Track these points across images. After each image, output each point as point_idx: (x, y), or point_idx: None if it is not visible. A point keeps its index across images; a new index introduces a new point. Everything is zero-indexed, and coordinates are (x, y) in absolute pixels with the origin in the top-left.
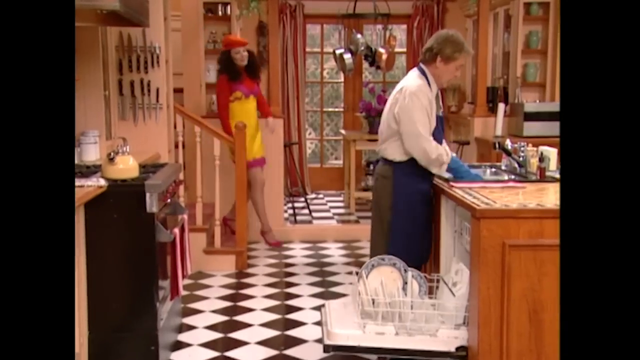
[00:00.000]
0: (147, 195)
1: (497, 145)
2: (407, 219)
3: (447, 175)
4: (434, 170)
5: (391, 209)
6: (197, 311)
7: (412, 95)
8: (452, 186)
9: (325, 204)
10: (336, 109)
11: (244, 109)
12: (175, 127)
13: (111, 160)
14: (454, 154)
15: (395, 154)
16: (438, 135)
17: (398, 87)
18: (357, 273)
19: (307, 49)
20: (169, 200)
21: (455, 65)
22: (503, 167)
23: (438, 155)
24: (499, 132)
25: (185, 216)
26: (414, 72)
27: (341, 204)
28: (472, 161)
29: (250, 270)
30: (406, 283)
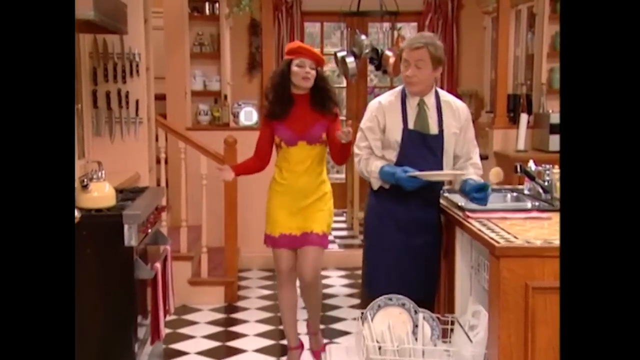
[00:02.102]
0: (125, 227)
1: (518, 169)
2: (376, 246)
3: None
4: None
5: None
6: (180, 353)
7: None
8: (468, 217)
9: None
10: None
11: (286, 158)
12: (156, 139)
13: (84, 187)
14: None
15: None
16: (406, 150)
17: None
18: (361, 314)
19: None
20: (149, 231)
21: (402, 65)
22: (526, 191)
23: (361, 173)
24: (521, 146)
25: (168, 247)
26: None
27: (343, 225)
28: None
29: (241, 304)
30: (417, 326)
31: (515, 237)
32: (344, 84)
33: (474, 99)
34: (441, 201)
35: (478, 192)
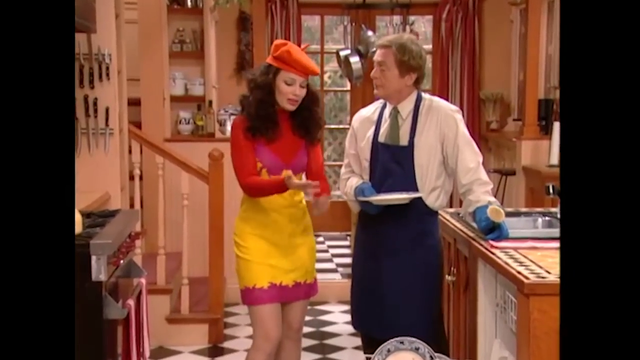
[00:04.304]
0: (93, 258)
1: (551, 190)
2: (355, 277)
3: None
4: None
5: None
6: None
7: None
8: (493, 246)
9: (327, 251)
10: (340, 125)
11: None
12: (130, 151)
13: None
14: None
15: None
16: (373, 165)
17: None
18: (368, 359)
19: (303, 47)
20: (121, 262)
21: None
22: (559, 216)
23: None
24: (554, 160)
25: (143, 280)
26: None
27: (347, 251)
28: (519, 199)
29: (227, 344)
30: None
31: (548, 272)
32: (348, 87)
33: (499, 105)
34: (462, 227)
35: (491, 233)
